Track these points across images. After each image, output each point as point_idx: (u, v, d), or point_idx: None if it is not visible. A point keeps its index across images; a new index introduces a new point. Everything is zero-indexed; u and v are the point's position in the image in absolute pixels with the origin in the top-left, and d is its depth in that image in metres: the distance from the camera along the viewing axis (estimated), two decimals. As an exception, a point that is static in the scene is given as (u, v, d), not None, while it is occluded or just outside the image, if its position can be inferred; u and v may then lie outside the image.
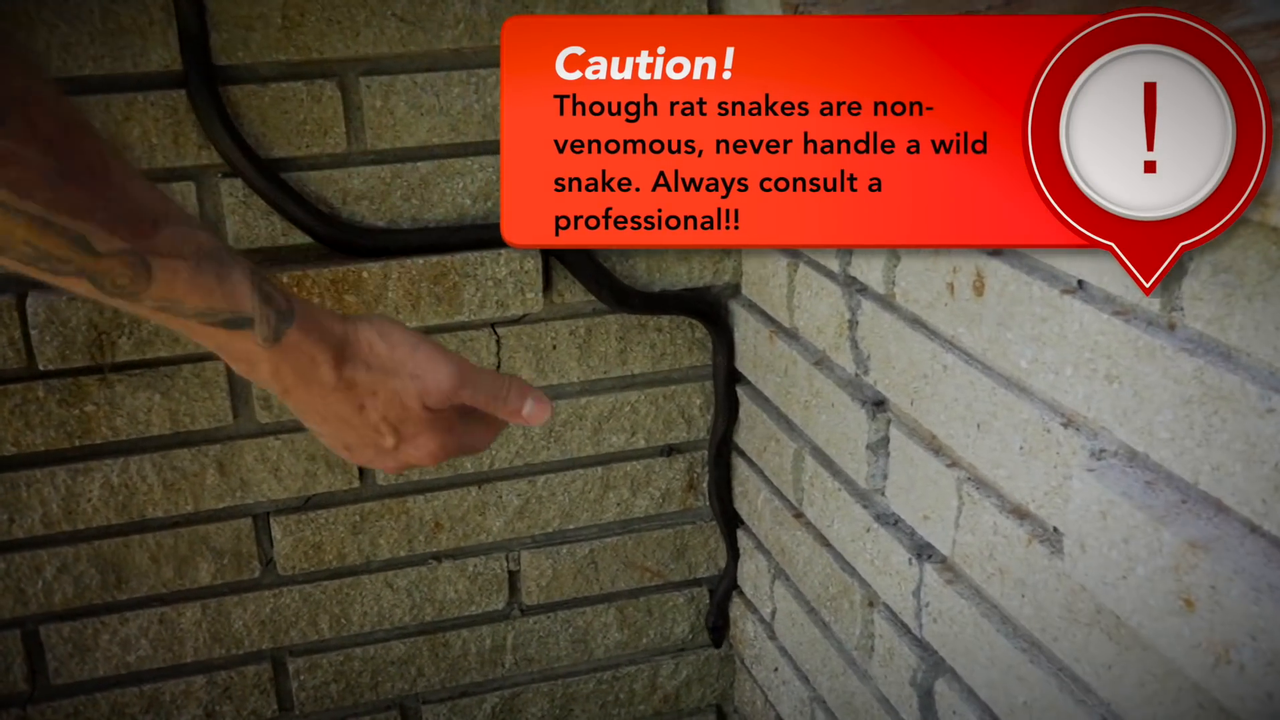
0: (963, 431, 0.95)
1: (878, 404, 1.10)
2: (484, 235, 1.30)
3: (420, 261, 1.28)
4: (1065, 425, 0.83)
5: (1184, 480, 0.72)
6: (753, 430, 1.40)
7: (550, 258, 1.34)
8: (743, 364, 1.40)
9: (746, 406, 1.41)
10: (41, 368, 1.22)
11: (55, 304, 1.20)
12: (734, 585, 1.52)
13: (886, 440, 1.09)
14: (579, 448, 1.44)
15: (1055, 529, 0.86)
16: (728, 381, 1.42)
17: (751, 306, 1.36)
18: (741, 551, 1.49)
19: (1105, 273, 0.77)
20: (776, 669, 1.41)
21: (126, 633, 1.35)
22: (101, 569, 1.32)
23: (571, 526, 1.47)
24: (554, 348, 1.39)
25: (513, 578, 1.47)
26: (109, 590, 1.33)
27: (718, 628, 1.56)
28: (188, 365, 1.28)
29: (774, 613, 1.40)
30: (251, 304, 0.76)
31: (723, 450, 1.45)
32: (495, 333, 1.36)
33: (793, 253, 1.23)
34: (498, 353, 1.37)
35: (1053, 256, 0.82)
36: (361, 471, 1.37)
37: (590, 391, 1.42)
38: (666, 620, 1.55)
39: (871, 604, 1.15)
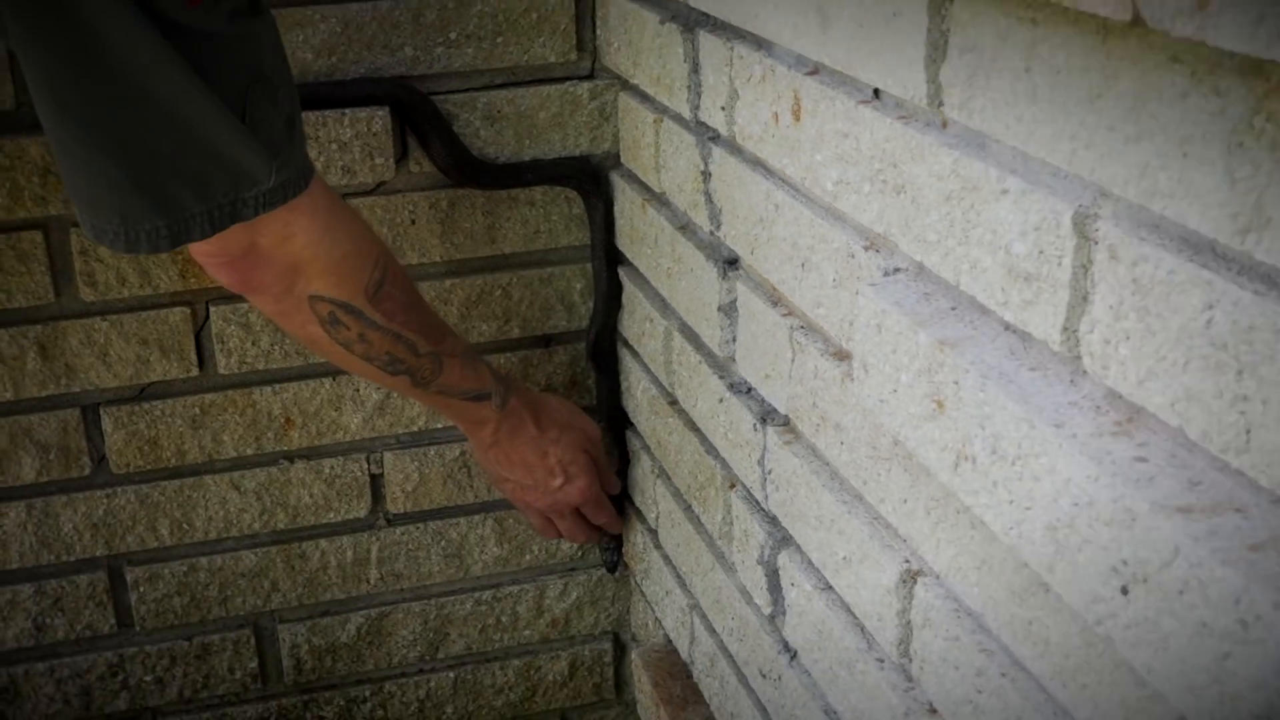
0: (792, 274, 1.04)
1: (730, 262, 1.19)
2: (327, 93, 1.38)
3: (255, 121, 1.37)
4: (867, 248, 0.91)
5: (950, 284, 0.80)
6: (633, 314, 1.48)
7: (403, 120, 1.42)
8: (622, 240, 1.48)
9: (628, 289, 1.49)
10: None
11: None
12: (625, 496, 1.61)
13: (735, 300, 1.17)
14: (444, 336, 1.52)
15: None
16: (608, 262, 1.51)
17: (630, 176, 1.45)
18: (631, 455, 1.58)
19: (903, 73, 0.84)
20: (661, 581, 1.51)
21: (-59, 532, 1.46)
22: (-89, 460, 1.42)
23: (439, 426, 1.56)
24: (412, 223, 1.47)
25: (375, 482, 1.56)
26: (-80, 484, 1.43)
27: (610, 549, 1.64)
28: (0, 235, 1.37)
29: (657, 517, 1.50)
30: (491, 383, 1.36)
31: (602, 341, 1.54)
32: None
33: (657, 107, 1.31)
34: (349, 227, 1.45)
35: (859, 66, 0.90)
36: (200, 358, 1.46)
37: (456, 273, 1.51)
38: (552, 534, 1.64)
39: (732, 485, 1.24)
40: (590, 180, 1.49)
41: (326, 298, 1.19)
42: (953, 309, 0.80)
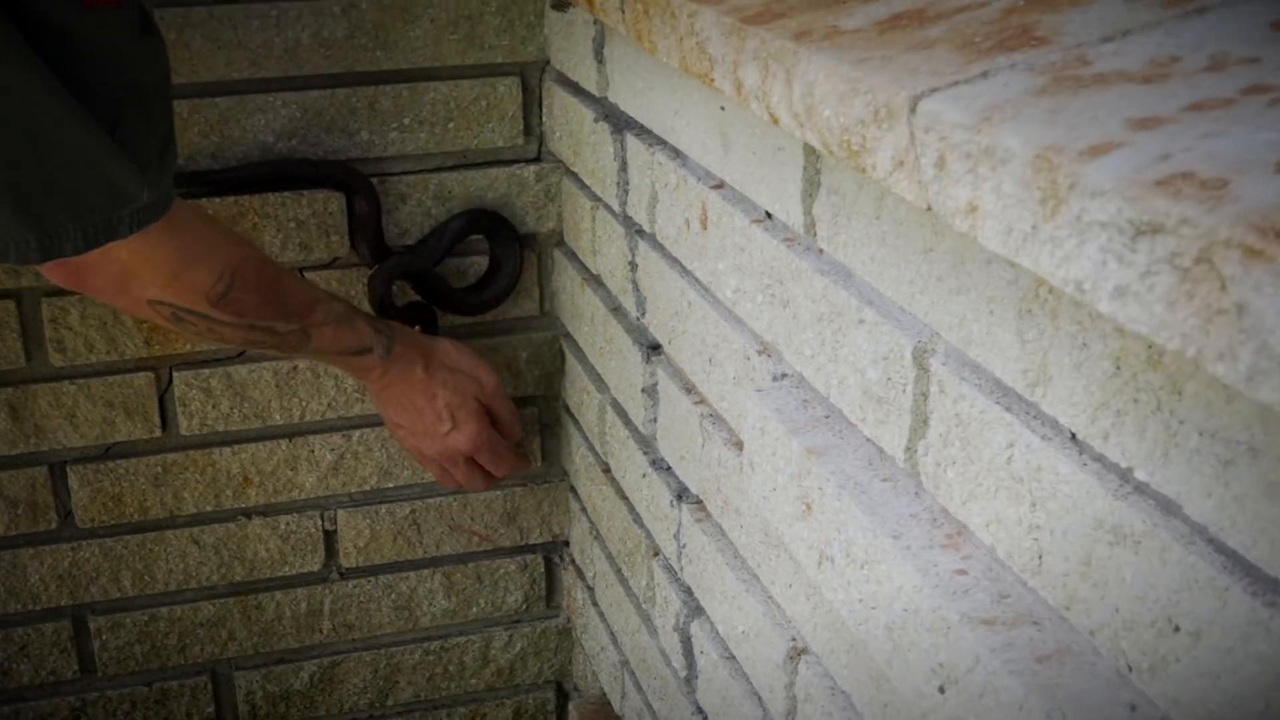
0: (701, 367, 1.12)
1: (653, 348, 1.27)
2: (285, 173, 1.47)
3: (218, 201, 1.46)
4: (760, 352, 1.00)
5: (822, 395, 0.88)
6: (574, 384, 1.57)
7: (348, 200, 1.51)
8: (563, 314, 1.57)
9: (569, 360, 1.58)
10: None
11: None
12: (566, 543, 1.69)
13: (657, 384, 1.26)
14: (396, 401, 1.60)
15: (758, 456, 1.02)
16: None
17: (571, 255, 1.53)
18: (572, 515, 1.66)
19: (786, 202, 0.93)
20: (597, 637, 1.59)
21: (-87, 583, 1.53)
22: (-114, 515, 1.50)
23: (391, 485, 1.64)
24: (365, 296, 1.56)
25: (329, 538, 1.64)
26: (-106, 537, 1.51)
27: None
28: (-25, 304, 1.45)
29: (595, 575, 1.58)
30: (370, 338, 1.35)
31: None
32: (301, 277, 1.53)
33: (593, 195, 1.40)
34: (306, 299, 1.54)
35: (753, 188, 0.98)
36: (163, 420, 1.54)
37: (407, 342, 1.59)
38: (498, 589, 1.72)
39: (655, 553, 1.32)
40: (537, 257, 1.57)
41: (166, 302, 1.18)
42: (825, 418, 0.89)
